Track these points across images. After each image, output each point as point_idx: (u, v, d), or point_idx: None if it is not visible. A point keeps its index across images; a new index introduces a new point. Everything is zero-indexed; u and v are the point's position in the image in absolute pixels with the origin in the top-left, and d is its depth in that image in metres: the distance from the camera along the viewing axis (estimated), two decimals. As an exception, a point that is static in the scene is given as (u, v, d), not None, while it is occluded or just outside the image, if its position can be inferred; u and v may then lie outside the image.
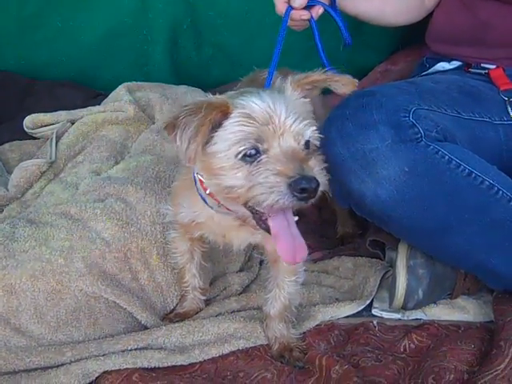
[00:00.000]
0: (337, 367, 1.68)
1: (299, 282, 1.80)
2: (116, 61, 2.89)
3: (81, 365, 1.69)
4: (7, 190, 2.16)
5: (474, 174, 1.70)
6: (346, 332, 1.90)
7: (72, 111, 2.49)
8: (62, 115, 2.48)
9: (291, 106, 1.42)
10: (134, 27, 2.83)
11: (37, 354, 1.72)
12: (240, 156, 1.38)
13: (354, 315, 1.97)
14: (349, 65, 2.89)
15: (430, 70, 2.28)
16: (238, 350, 1.81)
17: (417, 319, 1.95)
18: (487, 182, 1.70)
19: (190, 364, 1.77)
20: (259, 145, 1.38)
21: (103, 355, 1.73)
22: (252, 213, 1.46)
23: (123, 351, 1.75)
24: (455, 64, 2.20)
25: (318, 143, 1.49)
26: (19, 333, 1.75)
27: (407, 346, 1.83)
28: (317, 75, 1.52)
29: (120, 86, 2.56)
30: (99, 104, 2.57)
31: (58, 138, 2.36)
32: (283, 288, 1.79)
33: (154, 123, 2.46)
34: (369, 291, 2.03)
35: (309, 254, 1.72)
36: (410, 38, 2.88)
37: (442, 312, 1.96)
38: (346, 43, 1.99)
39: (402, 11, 2.28)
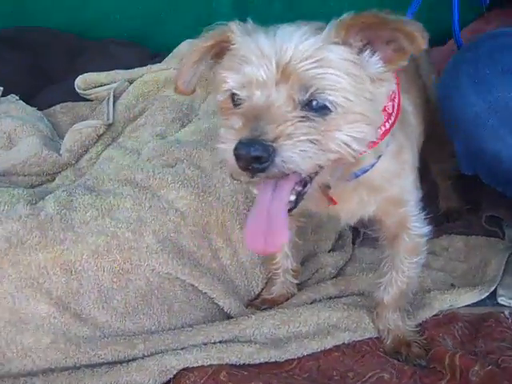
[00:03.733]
0: (476, 368, 1.34)
1: (421, 263, 1.49)
2: (176, 18, 2.58)
3: (156, 360, 1.40)
4: (60, 155, 1.85)
5: None
6: (471, 324, 1.56)
7: (130, 70, 2.19)
8: (120, 74, 2.17)
9: (311, 50, 1.05)
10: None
11: (102, 346, 1.42)
12: (229, 95, 1.13)
13: (475, 304, 1.63)
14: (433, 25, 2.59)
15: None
16: (343, 344, 1.50)
17: (558, 311, 1.60)
18: None
19: (285, 361, 1.45)
20: (239, 91, 1.10)
21: (182, 348, 1.44)
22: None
23: (205, 344, 1.46)
24: None
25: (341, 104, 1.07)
26: (81, 320, 1.44)
27: (552, 341, 1.48)
28: (370, 15, 1.07)
29: (183, 42, 2.24)
30: (158, 64, 2.26)
31: (115, 99, 2.05)
32: (402, 270, 1.46)
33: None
34: (491, 276, 1.70)
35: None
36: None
37: None
38: None
39: None
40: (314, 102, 1.05)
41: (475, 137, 1.41)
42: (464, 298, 1.62)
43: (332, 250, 1.83)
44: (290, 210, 1.11)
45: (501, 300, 1.63)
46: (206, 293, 1.53)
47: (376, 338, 1.52)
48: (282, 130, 1.02)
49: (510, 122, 1.36)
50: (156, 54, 2.48)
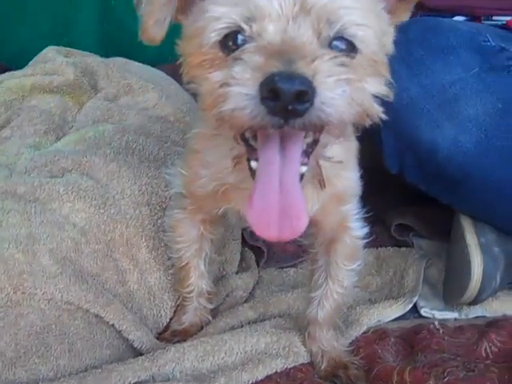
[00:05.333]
0: (431, 382, 1.21)
1: (357, 271, 1.32)
2: (25, 28, 2.28)
3: (59, 414, 1.10)
4: None
5: None
6: (404, 339, 1.43)
7: (-14, 77, 1.86)
8: (-28, 81, 1.84)
9: None
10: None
11: (-13, 405, 1.10)
12: (219, 40, 0.87)
13: (399, 318, 1.52)
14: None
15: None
16: (276, 372, 1.29)
17: (479, 317, 1.52)
18: None
19: (213, 398, 1.23)
20: (245, 26, 0.85)
21: (90, 396, 1.15)
22: (246, 146, 0.92)
23: (119, 388, 1.18)
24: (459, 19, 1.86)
25: (368, 47, 0.90)
26: (-45, 372, 1.11)
27: (488, 349, 1.39)
28: None
29: (46, 49, 1.98)
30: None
31: (-29, 108, 1.73)
32: (338, 280, 1.29)
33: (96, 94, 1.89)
34: (410, 287, 1.59)
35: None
36: None
37: (504, 306, 1.55)
38: None
39: None
40: (339, 42, 0.86)
41: (409, 125, 1.31)
42: (390, 312, 1.50)
43: (237, 272, 1.64)
44: None
45: (424, 312, 1.53)
46: (112, 325, 1.26)
47: (308, 363, 1.35)
48: (317, 65, 0.79)
49: (447, 108, 1.27)
50: (7, 67, 2.16)
